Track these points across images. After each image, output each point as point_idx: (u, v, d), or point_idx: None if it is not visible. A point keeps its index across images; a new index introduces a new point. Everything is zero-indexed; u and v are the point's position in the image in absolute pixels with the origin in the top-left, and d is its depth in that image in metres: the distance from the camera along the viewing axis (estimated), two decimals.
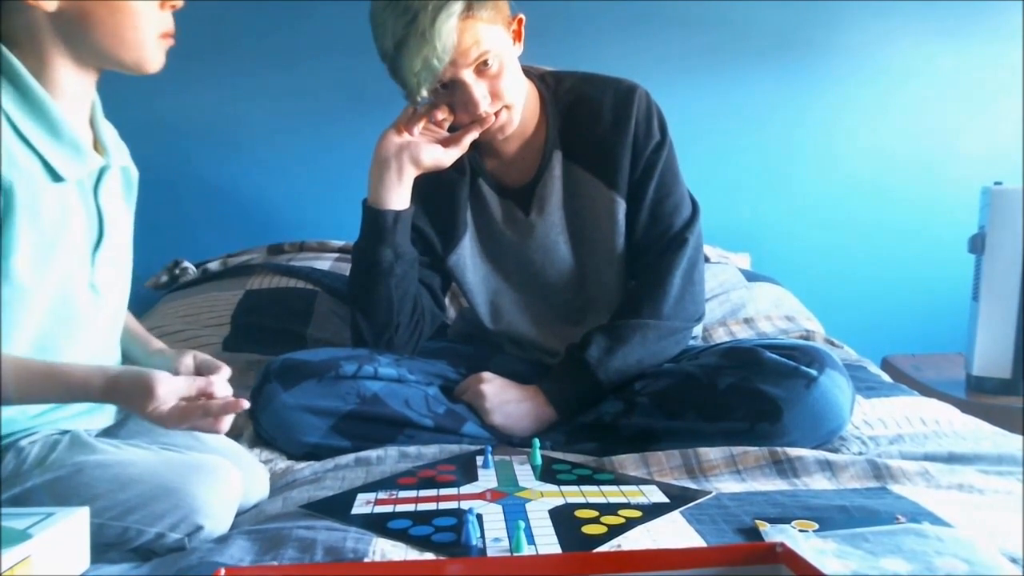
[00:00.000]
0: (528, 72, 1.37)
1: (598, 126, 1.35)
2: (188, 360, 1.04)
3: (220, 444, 1.08)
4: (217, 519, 0.91)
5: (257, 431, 1.25)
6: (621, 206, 1.36)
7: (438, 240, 1.41)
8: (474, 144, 1.33)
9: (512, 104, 1.28)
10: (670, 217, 1.36)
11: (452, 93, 1.26)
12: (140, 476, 0.90)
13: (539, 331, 1.44)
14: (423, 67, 1.18)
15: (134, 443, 1.00)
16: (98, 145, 1.02)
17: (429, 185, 1.35)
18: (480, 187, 1.40)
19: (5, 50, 0.92)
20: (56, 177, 0.94)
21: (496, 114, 1.28)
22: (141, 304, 1.96)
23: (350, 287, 1.38)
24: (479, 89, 1.24)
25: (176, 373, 0.98)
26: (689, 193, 1.40)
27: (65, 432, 0.98)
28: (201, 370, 1.02)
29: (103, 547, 0.87)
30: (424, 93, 1.24)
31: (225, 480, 0.93)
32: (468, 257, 1.42)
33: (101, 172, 1.00)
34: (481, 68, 1.23)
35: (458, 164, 1.35)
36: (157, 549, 0.90)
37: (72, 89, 0.97)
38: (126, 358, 1.11)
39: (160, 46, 0.98)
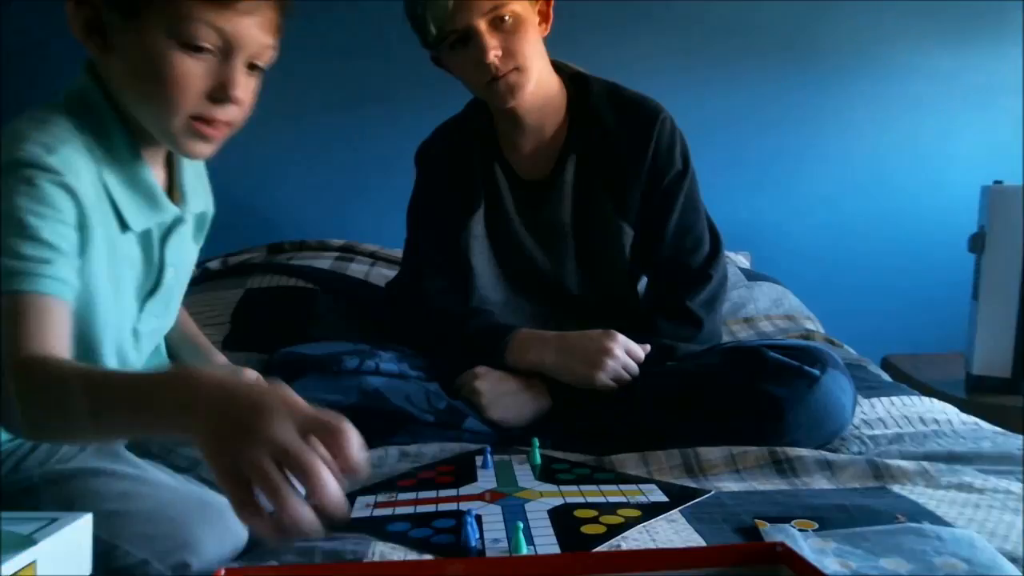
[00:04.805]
0: (559, 68, 1.35)
1: (615, 145, 1.32)
2: (251, 377, 1.00)
3: None
4: (207, 562, 0.83)
5: None
6: (627, 234, 1.34)
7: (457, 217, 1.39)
8: (491, 130, 1.34)
9: (525, 67, 1.25)
10: (691, 253, 1.34)
11: (464, 50, 1.24)
12: (147, 496, 0.86)
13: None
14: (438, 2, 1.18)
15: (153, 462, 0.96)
16: (175, 190, 0.98)
17: (449, 159, 1.36)
18: (496, 173, 1.38)
19: (97, 91, 0.89)
20: (124, 226, 0.90)
21: (507, 74, 1.24)
22: None
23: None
24: (491, 40, 1.22)
25: None
26: (710, 223, 1.37)
27: None
28: None
29: None
30: (433, 32, 1.22)
31: (228, 525, 0.86)
32: (477, 239, 1.40)
33: (173, 223, 0.96)
34: (496, 22, 1.22)
35: (472, 147, 1.37)
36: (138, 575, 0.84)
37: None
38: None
39: (192, 131, 0.88)
